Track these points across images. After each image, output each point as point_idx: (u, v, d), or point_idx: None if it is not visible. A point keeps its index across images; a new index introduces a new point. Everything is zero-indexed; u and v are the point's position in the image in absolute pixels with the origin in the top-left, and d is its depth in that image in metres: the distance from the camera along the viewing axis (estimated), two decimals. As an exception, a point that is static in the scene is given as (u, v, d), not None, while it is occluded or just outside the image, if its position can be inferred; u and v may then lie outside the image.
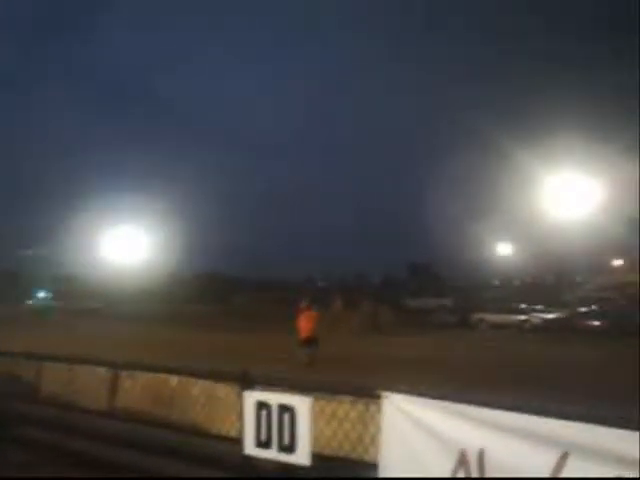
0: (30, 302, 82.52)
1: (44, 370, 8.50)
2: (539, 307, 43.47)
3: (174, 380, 7.16)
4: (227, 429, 6.11)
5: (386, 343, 28.39)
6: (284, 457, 5.27)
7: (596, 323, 36.39)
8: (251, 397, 5.61)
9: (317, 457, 5.19)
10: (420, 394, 4.60)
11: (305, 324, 19.95)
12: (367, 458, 4.99)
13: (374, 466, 4.77)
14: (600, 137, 48.90)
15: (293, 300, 29.36)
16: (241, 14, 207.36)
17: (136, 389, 7.45)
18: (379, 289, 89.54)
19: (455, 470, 4.22)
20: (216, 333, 33.04)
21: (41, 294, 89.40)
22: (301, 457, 5.18)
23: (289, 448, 5.25)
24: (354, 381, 6.13)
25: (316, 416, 5.30)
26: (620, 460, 3.55)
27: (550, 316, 40.36)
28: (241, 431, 5.65)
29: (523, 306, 43.78)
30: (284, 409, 5.31)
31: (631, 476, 3.48)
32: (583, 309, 40.43)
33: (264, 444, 5.44)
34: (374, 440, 4.89)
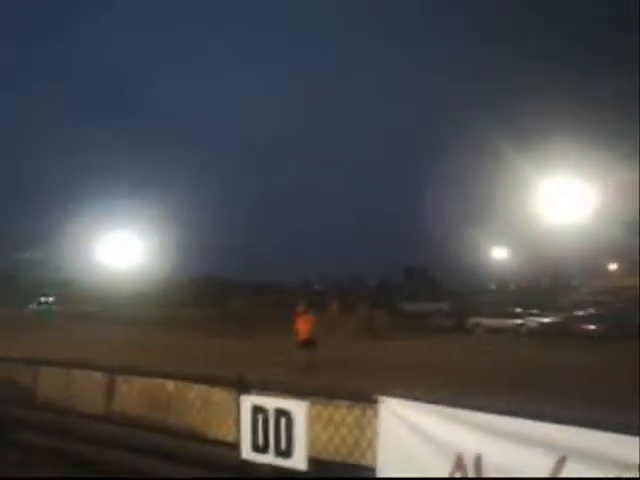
0: (32, 306, 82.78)
1: (41, 375, 8.51)
2: (535, 311, 43.50)
3: (170, 385, 7.17)
4: (224, 434, 6.12)
5: (382, 347, 28.38)
6: (281, 462, 5.28)
7: (592, 327, 36.38)
8: (248, 402, 5.62)
9: (314, 462, 5.21)
10: (416, 399, 4.61)
11: (303, 326, 19.97)
12: (364, 463, 5.00)
13: (371, 471, 4.78)
14: (595, 141, 49.01)
15: (290, 303, 29.34)
16: (241, 14, 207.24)
17: (133, 394, 7.46)
18: (375, 293, 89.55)
19: (452, 474, 4.24)
20: (212, 337, 32.96)
21: (43, 298, 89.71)
22: (298, 462, 5.19)
23: (286, 453, 5.26)
24: (350, 385, 6.15)
25: (313, 421, 5.31)
26: (617, 464, 3.57)
27: (546, 320, 40.36)
28: (238, 436, 5.66)
29: (519, 310, 43.81)
30: (281, 414, 5.32)
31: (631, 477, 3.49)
32: (579, 313, 40.44)
33: (261, 449, 5.45)
34: (371, 445, 4.91)
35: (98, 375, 7.79)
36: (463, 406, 4.32)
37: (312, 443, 5.25)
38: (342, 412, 5.33)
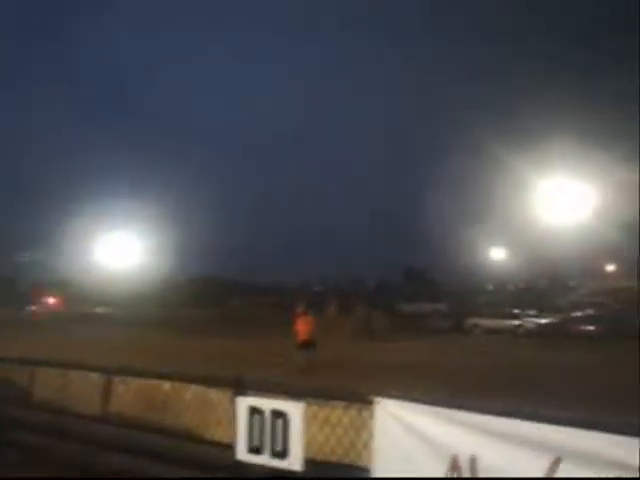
0: (33, 307, 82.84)
1: (38, 375, 8.50)
2: (533, 312, 43.59)
3: (167, 385, 7.17)
4: (220, 434, 6.11)
5: (379, 348, 28.36)
6: (276, 463, 5.28)
7: (590, 328, 36.40)
8: (244, 402, 5.62)
9: (310, 463, 5.20)
10: (412, 399, 4.62)
11: (302, 327, 19.99)
12: (360, 464, 5.00)
13: (367, 471, 4.78)
14: (594, 141, 49.08)
15: (289, 304, 29.33)
16: (241, 14, 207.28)
17: (129, 394, 7.45)
18: (373, 294, 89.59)
19: (447, 475, 4.24)
20: (211, 338, 32.94)
21: (46, 300, 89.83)
22: (293, 463, 5.18)
23: (281, 454, 5.26)
24: (348, 386, 6.15)
25: (309, 421, 5.31)
26: (613, 465, 3.57)
27: (543, 321, 40.40)
28: (234, 436, 5.66)
29: (517, 311, 43.87)
30: (277, 414, 5.32)
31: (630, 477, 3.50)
32: (577, 314, 40.47)
33: (256, 450, 5.44)
34: (367, 445, 4.91)
35: (94, 376, 7.78)
36: (459, 407, 4.32)
37: (308, 444, 5.25)
38: (338, 413, 5.32)
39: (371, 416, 4.82)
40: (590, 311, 40.52)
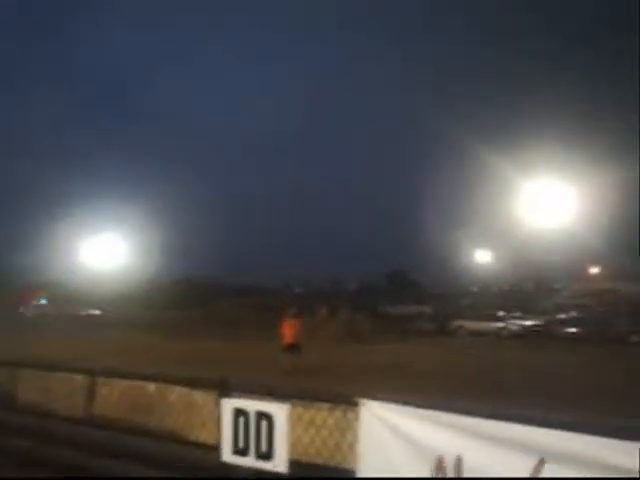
0: (23, 309, 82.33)
1: (21, 377, 8.44)
2: (517, 314, 43.78)
3: (152, 387, 7.14)
4: (205, 436, 6.10)
5: (364, 351, 28.36)
6: (262, 464, 5.27)
7: (574, 330, 36.67)
8: (229, 404, 5.61)
9: (295, 464, 5.20)
10: (397, 401, 4.62)
11: (289, 331, 20.05)
12: (345, 465, 5.00)
13: (352, 473, 4.78)
14: (578, 142, 49.38)
15: (272, 306, 29.28)
16: (241, 14, 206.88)
17: (114, 396, 7.42)
18: (356, 296, 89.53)
19: (432, 476, 4.25)
20: (197, 340, 32.83)
21: (34, 301, 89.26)
22: (279, 464, 5.18)
23: (267, 455, 5.25)
24: (333, 389, 6.15)
25: (294, 423, 5.31)
26: (597, 466, 3.58)
27: (528, 323, 40.64)
28: (219, 438, 5.64)
29: (501, 313, 44.05)
30: (262, 416, 5.31)
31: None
32: (561, 316, 40.72)
33: (242, 451, 5.43)
34: (352, 447, 4.91)
35: (78, 377, 7.74)
36: (444, 409, 4.33)
37: (293, 446, 5.25)
38: (323, 414, 5.33)
39: (356, 418, 4.83)
40: (574, 313, 40.86)
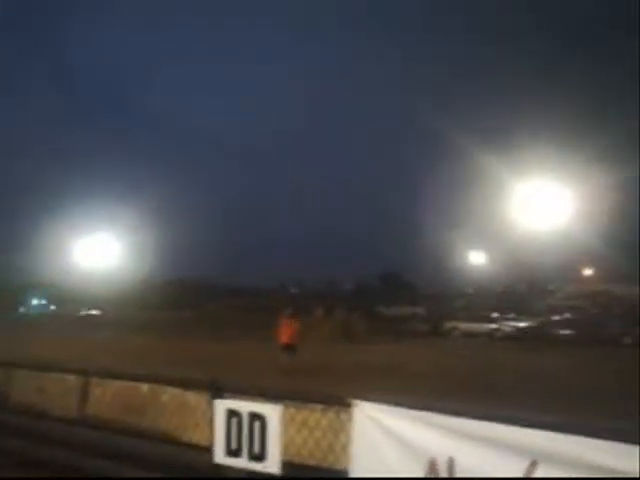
0: (23, 309, 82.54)
1: (15, 378, 8.43)
2: (511, 316, 43.84)
3: (145, 388, 7.13)
4: (198, 437, 6.09)
5: (359, 351, 28.40)
6: (254, 466, 5.26)
7: (567, 332, 36.74)
8: (222, 405, 5.60)
9: (288, 465, 5.20)
10: (391, 402, 4.62)
11: (285, 331, 20.16)
12: (338, 466, 5.00)
13: (345, 474, 4.78)
14: (573, 144, 49.41)
15: (266, 307, 29.27)
16: (241, 14, 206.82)
17: (107, 397, 7.41)
18: (351, 296, 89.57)
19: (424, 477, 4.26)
20: (193, 341, 32.81)
21: (35, 301, 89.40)
22: (271, 465, 5.17)
23: (259, 456, 5.24)
24: (329, 389, 6.15)
25: (287, 424, 5.30)
26: (589, 468, 3.59)
27: (521, 324, 40.72)
28: (211, 439, 5.64)
29: (495, 315, 44.12)
30: (254, 417, 5.30)
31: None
32: (555, 318, 40.80)
33: (234, 452, 5.42)
34: (345, 448, 4.91)
35: (71, 378, 7.73)
36: (437, 410, 4.34)
37: (286, 447, 5.24)
38: (316, 416, 5.33)
39: (349, 419, 4.82)
40: (567, 315, 40.93)
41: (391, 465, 4.46)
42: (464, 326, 42.16)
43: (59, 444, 7.16)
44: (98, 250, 55.25)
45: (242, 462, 5.36)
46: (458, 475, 4.12)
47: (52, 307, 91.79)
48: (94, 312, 76.96)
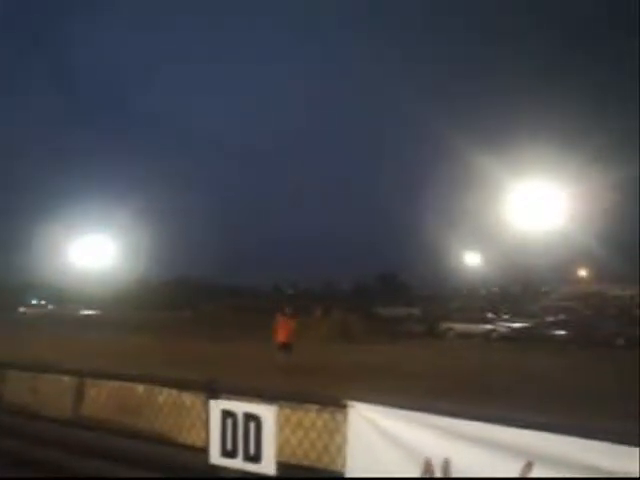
0: (22, 309, 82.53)
1: (10, 378, 8.40)
2: (506, 316, 43.93)
3: (140, 388, 7.12)
4: (193, 438, 6.08)
5: (354, 351, 28.41)
6: (250, 466, 5.26)
7: (561, 333, 36.80)
8: (217, 406, 5.59)
9: (283, 466, 5.19)
10: (386, 403, 4.63)
11: (283, 330, 20.20)
12: (333, 467, 5.00)
13: (340, 475, 4.78)
14: (569, 145, 49.50)
15: (263, 308, 29.25)
16: (241, 14, 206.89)
17: (102, 397, 7.39)
18: (350, 297, 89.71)
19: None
20: (185, 341, 32.78)
21: (34, 301, 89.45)
22: (267, 466, 5.17)
23: (255, 457, 5.24)
24: (326, 389, 6.15)
25: (282, 425, 5.30)
26: (584, 469, 3.60)
27: (516, 325, 40.78)
28: (207, 440, 5.63)
29: (490, 315, 44.20)
30: (250, 418, 5.29)
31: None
32: (549, 319, 40.88)
33: (230, 453, 5.42)
34: (340, 449, 4.91)
35: (66, 378, 7.71)
36: (433, 411, 4.34)
37: (281, 447, 5.24)
38: (311, 416, 5.32)
39: (345, 420, 4.82)
40: (562, 316, 41.03)
41: (387, 466, 4.46)
42: (459, 327, 42.20)
43: (54, 444, 7.14)
44: (94, 250, 55.24)
45: (237, 463, 5.35)
46: (454, 476, 4.12)
47: (50, 307, 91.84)
48: (91, 312, 76.98)
